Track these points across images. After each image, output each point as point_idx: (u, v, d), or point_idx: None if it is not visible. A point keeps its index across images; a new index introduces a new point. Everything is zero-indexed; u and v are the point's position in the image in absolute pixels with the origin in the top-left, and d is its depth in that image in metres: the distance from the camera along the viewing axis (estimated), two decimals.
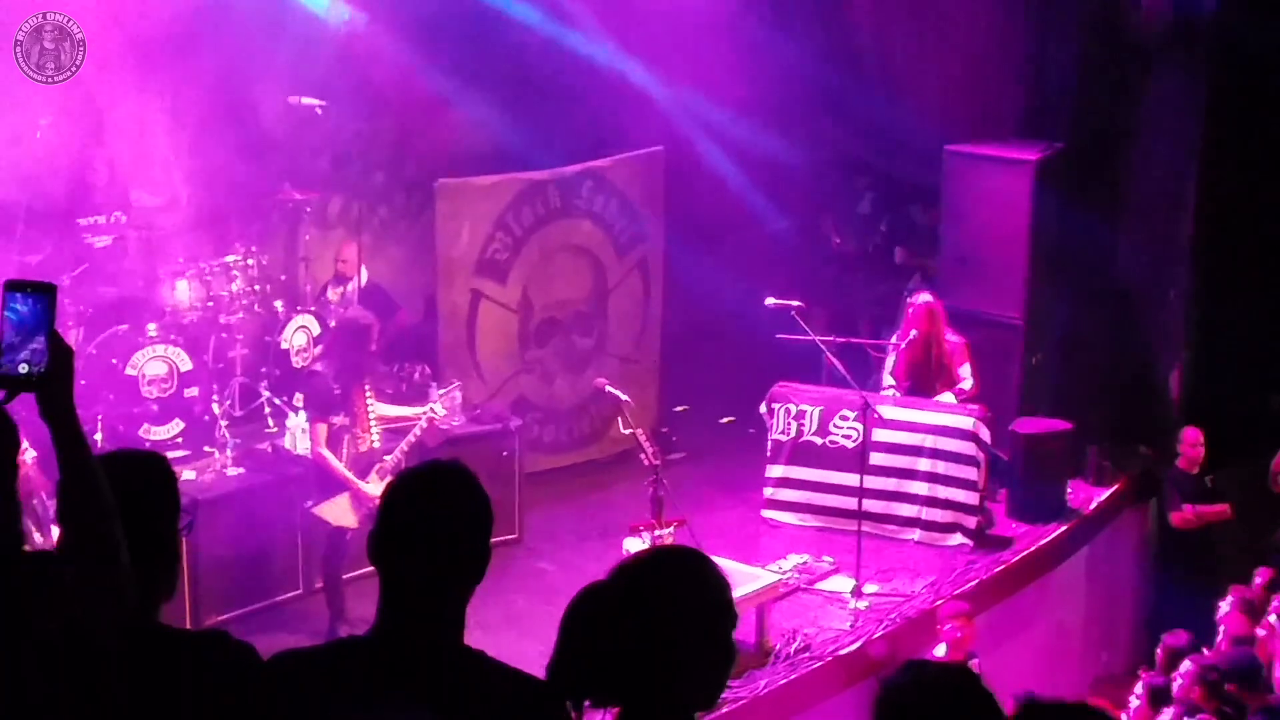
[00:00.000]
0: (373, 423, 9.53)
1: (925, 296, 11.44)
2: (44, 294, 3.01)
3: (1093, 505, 11.90)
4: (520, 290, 12.05)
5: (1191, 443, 11.88)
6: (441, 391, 10.30)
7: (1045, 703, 3.11)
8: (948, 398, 11.29)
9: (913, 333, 11.26)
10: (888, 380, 11.46)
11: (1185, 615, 10.21)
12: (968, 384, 11.27)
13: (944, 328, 11.33)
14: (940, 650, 9.32)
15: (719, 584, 3.12)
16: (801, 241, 14.46)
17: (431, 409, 9.88)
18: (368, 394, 9.53)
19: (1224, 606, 9.90)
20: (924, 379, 11.33)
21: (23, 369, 2.97)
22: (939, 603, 10.00)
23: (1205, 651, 9.33)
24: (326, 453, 9.36)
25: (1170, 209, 12.89)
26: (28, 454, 7.23)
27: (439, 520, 3.21)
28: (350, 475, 9.29)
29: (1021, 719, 3.05)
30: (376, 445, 9.54)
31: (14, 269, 10.36)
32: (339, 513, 9.36)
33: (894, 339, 11.53)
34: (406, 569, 3.20)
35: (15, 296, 2.99)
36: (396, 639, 3.20)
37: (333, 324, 11.34)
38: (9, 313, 2.98)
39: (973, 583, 10.50)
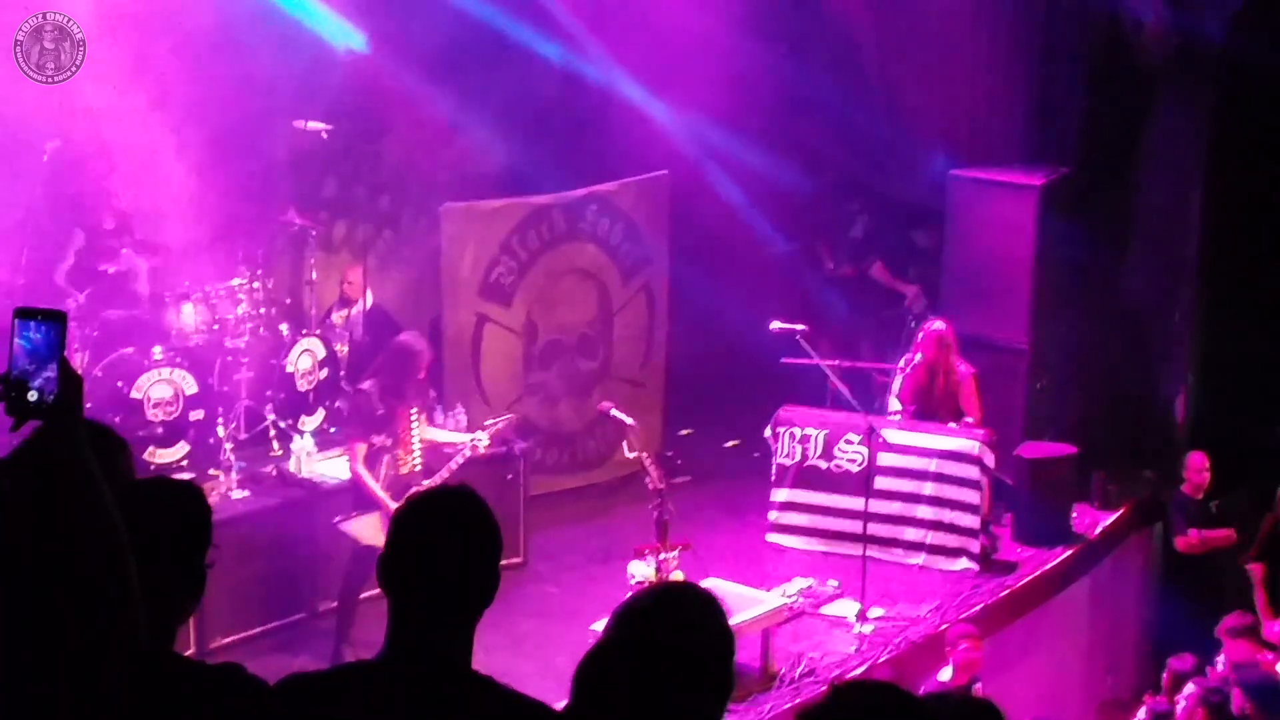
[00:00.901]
0: (416, 445, 9.54)
1: (938, 324, 11.38)
2: (54, 322, 3.00)
3: (1098, 530, 11.88)
4: (525, 313, 12.06)
5: (1197, 468, 11.86)
6: (490, 422, 10.26)
7: (853, 683, 3.10)
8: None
9: (918, 356, 11.25)
10: (894, 404, 11.45)
11: (1190, 639, 10.19)
12: (971, 418, 11.23)
13: (954, 356, 11.28)
14: (946, 673, 9.29)
15: (720, 617, 3.11)
16: (806, 266, 14.47)
17: (476, 438, 9.88)
18: (414, 417, 9.54)
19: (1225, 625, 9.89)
20: (928, 405, 11.31)
21: (33, 397, 2.97)
22: (944, 627, 9.98)
23: (1209, 674, 9.31)
24: (363, 471, 9.35)
25: (1175, 233, 12.91)
26: None
27: (447, 545, 3.20)
28: (384, 496, 9.27)
29: (830, 700, 3.01)
30: (418, 468, 9.55)
31: (21, 293, 10.40)
32: (369, 531, 9.32)
33: (901, 363, 11.51)
34: (415, 594, 3.20)
35: (26, 325, 2.99)
36: (404, 664, 3.20)
37: (339, 348, 11.37)
38: (21, 340, 2.98)
39: (978, 607, 10.48)
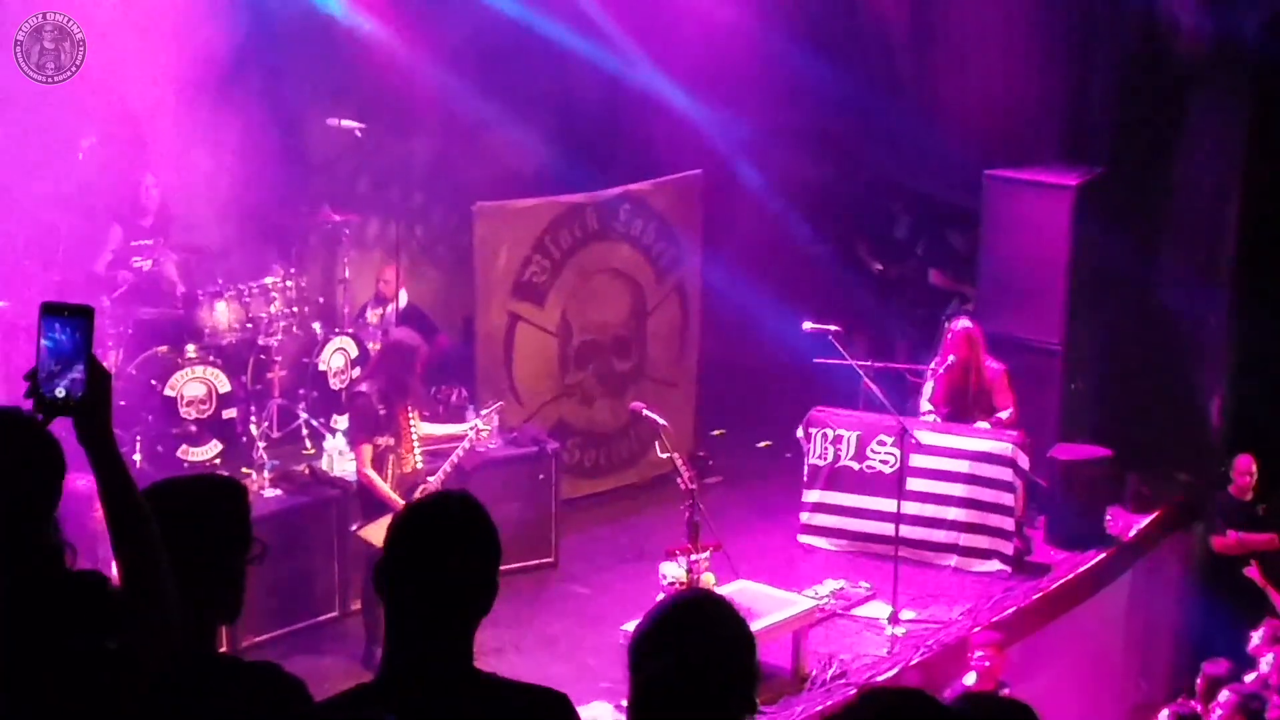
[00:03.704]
0: (416, 443, 9.51)
1: (965, 322, 11.39)
2: (81, 317, 2.98)
3: (1132, 532, 11.82)
4: (559, 313, 12.05)
5: (1244, 470, 11.78)
6: (484, 411, 10.29)
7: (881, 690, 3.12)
8: (984, 426, 11.23)
9: (950, 358, 11.22)
10: (925, 405, 11.42)
11: (1225, 644, 10.13)
12: (1005, 414, 11.20)
13: (983, 354, 11.27)
14: (970, 679, 9.26)
15: (737, 620, 3.13)
16: (840, 265, 14.43)
17: (476, 425, 9.86)
18: (411, 414, 9.52)
19: (1255, 638, 9.83)
20: (962, 405, 11.29)
21: (61, 394, 2.96)
22: (975, 629, 9.95)
23: (1245, 680, 9.25)
24: (372, 473, 9.32)
25: (1211, 234, 12.82)
26: None
27: (443, 553, 3.20)
28: (395, 496, 9.24)
29: (858, 705, 3.04)
30: (420, 466, 9.52)
31: (54, 290, 10.45)
32: (383, 535, 9.31)
33: (932, 364, 11.48)
34: (412, 602, 3.19)
35: (53, 322, 2.97)
36: (403, 675, 3.20)
37: (372, 346, 11.39)
38: (46, 339, 2.96)
39: (1010, 610, 10.44)
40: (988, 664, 9.27)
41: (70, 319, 2.97)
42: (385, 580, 3.22)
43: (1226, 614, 11.15)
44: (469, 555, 3.21)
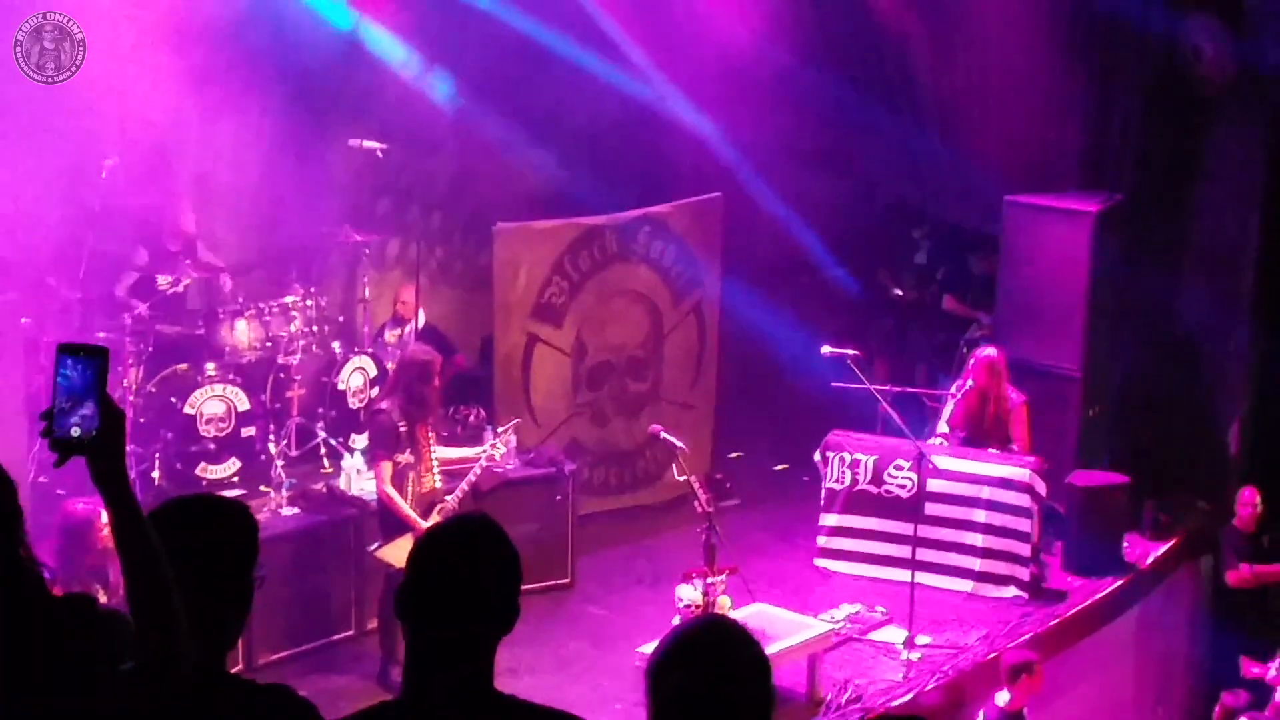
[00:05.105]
0: (434, 462, 9.51)
1: (990, 350, 11.34)
2: (96, 358, 3.02)
3: (1149, 560, 11.79)
4: (575, 334, 12.07)
5: (1248, 502, 11.75)
6: (500, 430, 10.31)
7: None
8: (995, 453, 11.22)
9: (969, 383, 11.22)
10: (943, 427, 11.39)
11: (1240, 675, 10.09)
12: (1016, 446, 11.18)
13: (1005, 384, 11.24)
14: (1003, 698, 9.22)
15: (754, 645, 3.14)
16: (859, 289, 14.44)
17: (492, 446, 9.88)
18: (430, 433, 9.53)
19: (1273, 670, 9.79)
20: (979, 431, 11.27)
21: (75, 432, 3.00)
22: (992, 655, 9.92)
23: (1265, 713, 9.22)
24: (392, 492, 9.29)
25: (1232, 261, 12.80)
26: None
27: (466, 578, 3.20)
28: (414, 515, 9.24)
29: None
30: (439, 485, 9.53)
31: (78, 308, 10.50)
32: (401, 556, 9.28)
33: (953, 389, 11.47)
34: (433, 625, 3.20)
35: (66, 361, 3.01)
36: (426, 696, 3.20)
37: (390, 366, 11.41)
38: (60, 377, 3.00)
39: (1026, 636, 10.41)
40: (1035, 686, 9.20)
41: (84, 359, 3.02)
42: (407, 603, 3.23)
43: (1240, 644, 11.13)
44: (491, 579, 3.21)
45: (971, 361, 11.37)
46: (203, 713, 3.25)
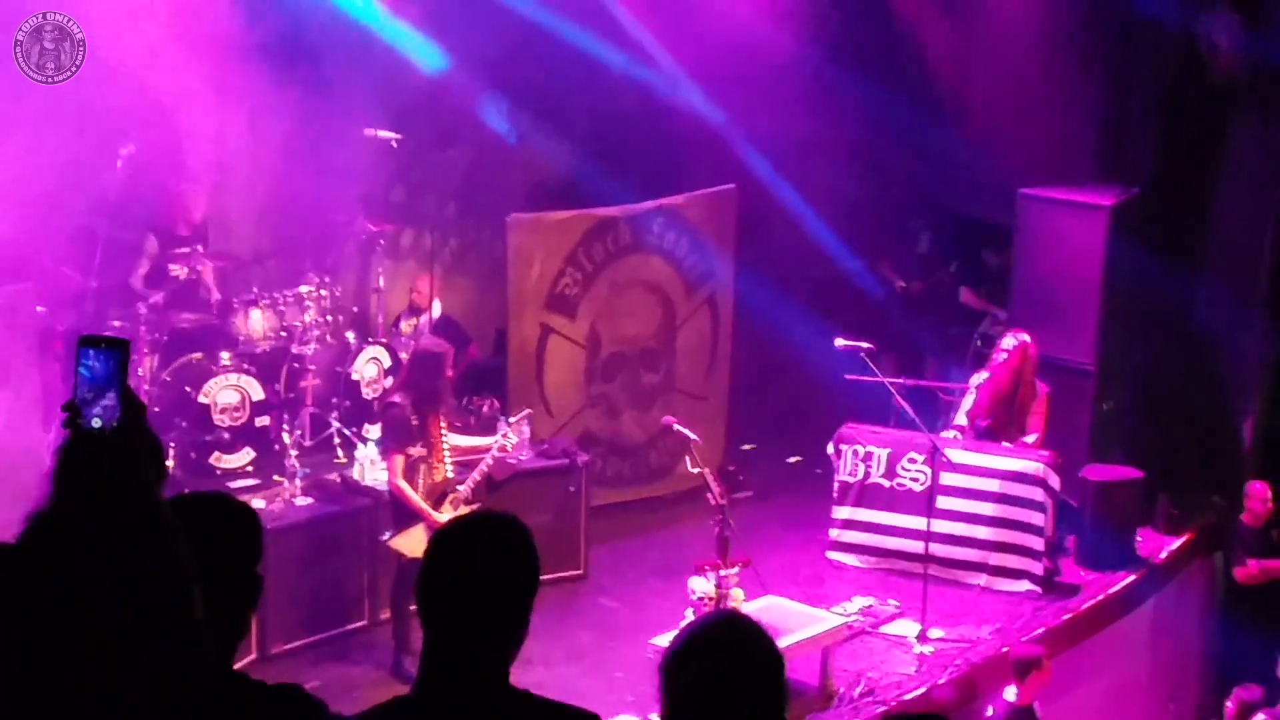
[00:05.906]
0: (447, 453, 9.53)
1: (1024, 336, 11.23)
2: (117, 350, 3.03)
3: (1163, 554, 11.78)
4: (588, 325, 12.07)
5: (1258, 497, 11.73)
6: (512, 420, 10.32)
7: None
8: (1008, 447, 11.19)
9: (1003, 355, 11.07)
10: (961, 419, 11.32)
11: (1254, 669, 10.08)
12: (1032, 438, 11.14)
13: (1034, 370, 11.19)
14: (1011, 693, 9.22)
15: (768, 641, 3.15)
16: (872, 282, 14.43)
17: (505, 435, 9.89)
18: (443, 424, 9.55)
19: None
20: (1005, 419, 11.14)
21: (95, 424, 3.01)
22: (1005, 649, 9.92)
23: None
24: (404, 484, 9.32)
25: (1247, 255, 12.78)
26: None
27: (484, 573, 3.20)
28: (426, 507, 9.26)
29: None
30: (450, 475, 9.54)
31: (93, 297, 10.52)
32: (414, 545, 9.32)
33: (973, 380, 11.42)
34: (450, 619, 3.20)
35: (88, 352, 3.02)
36: (441, 690, 3.21)
37: (405, 356, 11.43)
38: (82, 369, 3.01)
39: (1039, 630, 10.41)
40: (1043, 681, 9.19)
41: (105, 350, 3.03)
42: (425, 596, 3.23)
43: (1253, 639, 11.11)
44: (510, 575, 3.22)
45: (1000, 349, 11.24)
46: (212, 713, 3.25)
